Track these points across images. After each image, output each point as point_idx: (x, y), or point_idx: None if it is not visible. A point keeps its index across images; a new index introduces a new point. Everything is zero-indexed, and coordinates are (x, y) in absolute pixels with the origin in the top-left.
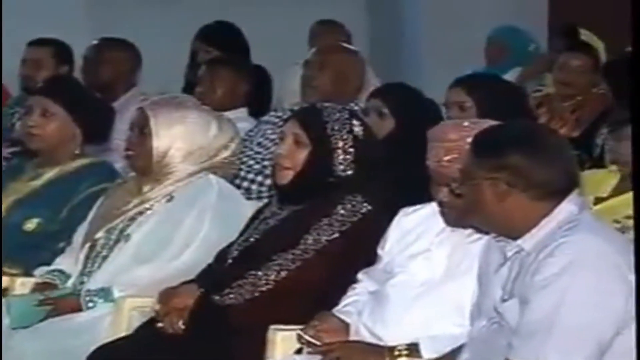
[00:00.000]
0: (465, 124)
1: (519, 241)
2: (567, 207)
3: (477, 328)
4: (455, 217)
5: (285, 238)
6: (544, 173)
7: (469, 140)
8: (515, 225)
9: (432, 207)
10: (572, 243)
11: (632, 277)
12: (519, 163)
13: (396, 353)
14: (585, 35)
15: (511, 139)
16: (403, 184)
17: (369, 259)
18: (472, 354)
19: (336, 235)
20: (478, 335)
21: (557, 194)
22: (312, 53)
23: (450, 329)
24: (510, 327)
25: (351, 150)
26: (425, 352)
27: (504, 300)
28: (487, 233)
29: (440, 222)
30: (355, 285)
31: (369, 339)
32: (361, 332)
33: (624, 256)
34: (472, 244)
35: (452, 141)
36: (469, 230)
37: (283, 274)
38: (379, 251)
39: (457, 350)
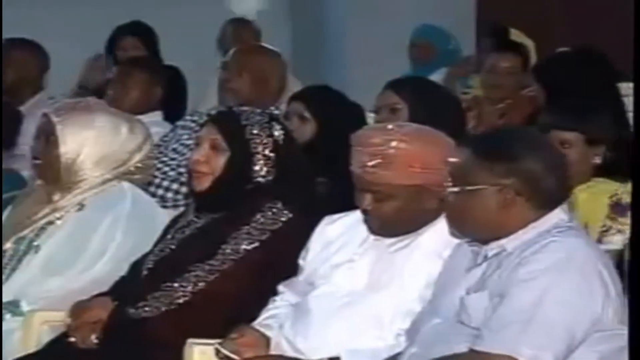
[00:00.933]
0: (390, 127)
1: (503, 241)
2: (559, 215)
3: (430, 325)
4: (379, 225)
5: (202, 248)
6: (550, 182)
7: (394, 144)
8: (502, 230)
9: (356, 215)
10: (562, 244)
11: (610, 284)
12: (532, 170)
13: None
14: (515, 34)
15: (525, 144)
16: (326, 191)
17: (291, 269)
18: (421, 348)
19: (256, 244)
20: (431, 330)
21: (554, 203)
22: (230, 54)
23: (371, 343)
24: (472, 320)
25: (271, 155)
26: None
27: (469, 294)
28: (457, 236)
29: (363, 230)
30: (276, 298)
31: (290, 353)
32: (282, 346)
33: (606, 265)
34: (396, 254)
35: (376, 145)
36: (392, 239)
37: (200, 285)
38: (301, 262)
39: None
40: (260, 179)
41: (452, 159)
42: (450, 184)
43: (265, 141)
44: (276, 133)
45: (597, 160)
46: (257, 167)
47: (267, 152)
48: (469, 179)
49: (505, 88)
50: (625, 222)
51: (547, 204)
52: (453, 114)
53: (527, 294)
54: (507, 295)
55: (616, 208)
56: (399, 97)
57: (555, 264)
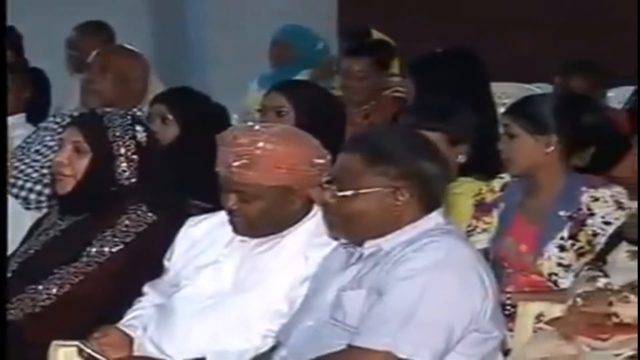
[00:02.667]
0: (256, 127)
1: (379, 240)
2: (437, 217)
3: (302, 325)
4: (244, 226)
5: (66, 250)
6: (439, 183)
7: (261, 145)
8: (384, 230)
9: (221, 216)
10: (442, 243)
11: (488, 284)
12: (425, 172)
13: None
14: (377, 36)
15: (415, 146)
16: (190, 193)
17: (156, 270)
18: (292, 350)
19: (120, 246)
20: (303, 331)
21: (438, 205)
22: (93, 55)
23: (237, 344)
24: (347, 317)
25: (134, 157)
26: None
27: (346, 292)
28: (336, 239)
29: (229, 231)
30: (141, 298)
31: (155, 354)
32: (146, 346)
33: (484, 266)
34: (261, 255)
35: (243, 146)
36: (258, 240)
37: (65, 288)
38: (166, 263)
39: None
40: (123, 181)
41: (338, 162)
42: (333, 187)
43: (127, 143)
44: (139, 135)
45: (462, 159)
46: (120, 169)
47: (129, 154)
48: (361, 182)
49: (361, 91)
50: (490, 221)
51: (433, 205)
52: (337, 117)
53: (406, 291)
54: (386, 293)
55: (480, 207)
56: (285, 100)
57: (435, 263)
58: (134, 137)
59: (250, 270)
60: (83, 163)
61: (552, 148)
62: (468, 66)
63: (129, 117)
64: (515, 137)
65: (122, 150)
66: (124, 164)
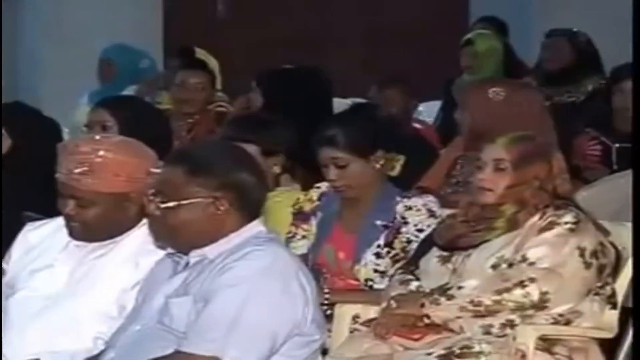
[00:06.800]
0: (97, 137)
1: (205, 249)
2: (258, 226)
3: (131, 330)
4: (80, 230)
5: None
6: (259, 193)
7: (101, 153)
8: (208, 239)
9: (58, 222)
10: (265, 251)
11: (309, 290)
12: (243, 182)
13: None
14: (200, 53)
15: (234, 158)
16: (23, 205)
17: None
18: (120, 353)
19: None
20: (131, 336)
21: (258, 214)
22: None
23: (69, 345)
24: (174, 322)
25: None
26: None
27: (172, 299)
28: (162, 248)
29: (65, 236)
30: None
31: None
32: None
33: (305, 273)
34: (96, 260)
35: (84, 154)
36: (93, 245)
37: None
38: (4, 265)
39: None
40: None
41: (161, 175)
42: (157, 200)
43: None
44: None
45: (277, 170)
46: None
47: None
48: (183, 193)
49: (195, 103)
50: (308, 229)
51: (254, 215)
52: (161, 131)
53: (231, 298)
54: (212, 300)
55: (299, 216)
56: (109, 115)
57: (259, 271)
58: None
59: (84, 275)
60: None
61: (382, 162)
62: (314, 83)
63: None
64: (347, 166)
65: None
66: None
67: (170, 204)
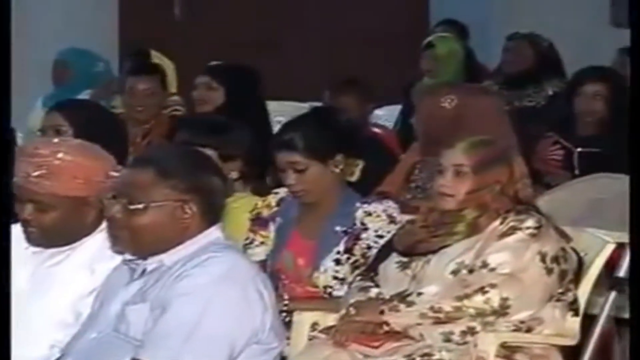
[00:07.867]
0: (56, 140)
1: (162, 256)
2: (216, 232)
3: (87, 337)
4: (38, 236)
5: None
6: (222, 199)
7: (60, 155)
8: (170, 243)
9: (17, 228)
10: (223, 259)
11: (267, 297)
12: (213, 186)
13: None
14: (155, 56)
15: (203, 162)
16: None
17: None
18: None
19: None
20: (87, 343)
21: (218, 220)
22: None
23: (25, 352)
24: (130, 330)
25: None
26: None
27: (129, 306)
28: (120, 253)
29: (23, 243)
30: None
31: None
32: None
33: (263, 280)
34: (52, 267)
35: (42, 157)
36: (51, 251)
37: None
38: None
39: None
40: None
41: (127, 177)
42: (123, 201)
43: None
44: None
45: (234, 175)
46: None
47: None
48: (153, 195)
49: (145, 110)
50: (267, 235)
51: (215, 220)
52: (117, 135)
53: (189, 306)
54: (169, 307)
55: (257, 222)
56: (63, 119)
57: (216, 278)
58: None
59: (40, 281)
60: None
61: (341, 167)
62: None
63: None
64: (305, 170)
65: None
66: None
67: (139, 206)
